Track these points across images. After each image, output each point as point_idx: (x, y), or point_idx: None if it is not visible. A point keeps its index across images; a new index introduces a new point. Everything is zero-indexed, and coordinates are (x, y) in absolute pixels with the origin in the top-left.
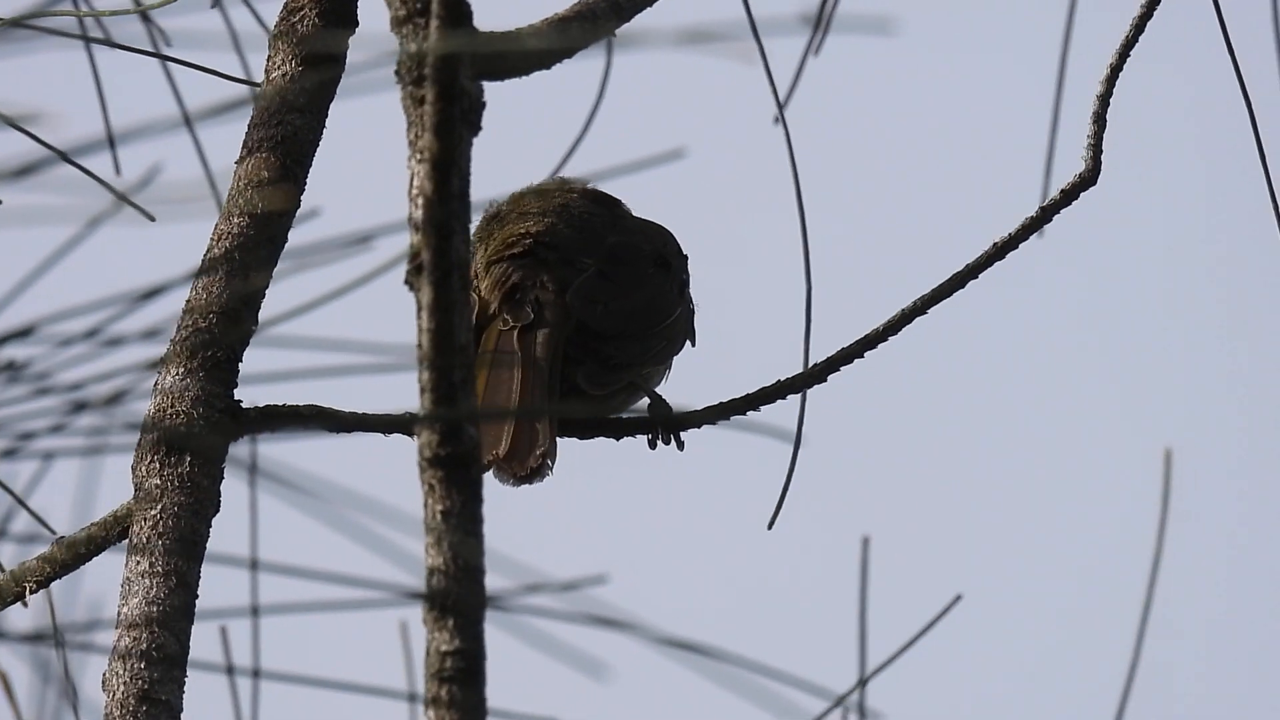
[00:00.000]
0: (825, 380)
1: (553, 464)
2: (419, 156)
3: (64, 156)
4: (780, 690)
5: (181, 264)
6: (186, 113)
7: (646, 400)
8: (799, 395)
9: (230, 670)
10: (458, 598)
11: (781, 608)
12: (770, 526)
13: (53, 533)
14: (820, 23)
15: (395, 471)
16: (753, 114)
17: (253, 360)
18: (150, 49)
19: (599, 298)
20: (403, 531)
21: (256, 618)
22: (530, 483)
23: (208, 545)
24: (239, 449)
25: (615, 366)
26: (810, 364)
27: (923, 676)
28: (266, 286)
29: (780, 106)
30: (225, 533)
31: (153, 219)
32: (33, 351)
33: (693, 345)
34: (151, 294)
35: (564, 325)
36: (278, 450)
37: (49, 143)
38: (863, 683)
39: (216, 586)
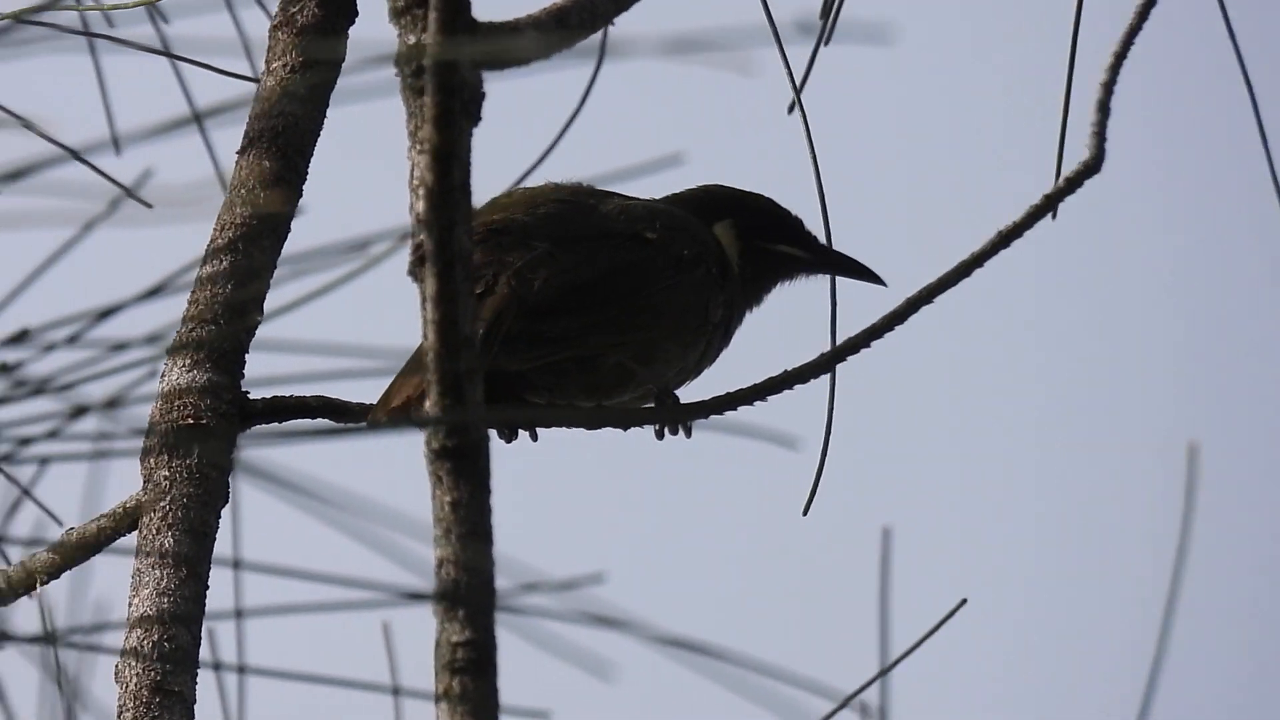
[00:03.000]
0: (832, 370)
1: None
2: (420, 148)
3: (74, 154)
4: (784, 691)
5: (183, 263)
6: (196, 110)
7: (655, 391)
8: (806, 385)
9: (220, 666)
10: (468, 588)
11: (787, 603)
12: (805, 512)
13: (60, 525)
14: (824, 34)
15: (403, 464)
16: (755, 107)
17: (258, 360)
18: (151, 44)
19: (539, 274)
20: (407, 532)
21: (241, 619)
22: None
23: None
24: (247, 444)
25: (543, 341)
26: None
27: (932, 674)
28: (271, 277)
29: (797, 93)
30: (225, 534)
31: (149, 205)
32: (29, 354)
33: (718, 330)
34: (154, 291)
35: (503, 300)
36: (282, 452)
37: (55, 140)
38: (867, 685)
39: (216, 586)
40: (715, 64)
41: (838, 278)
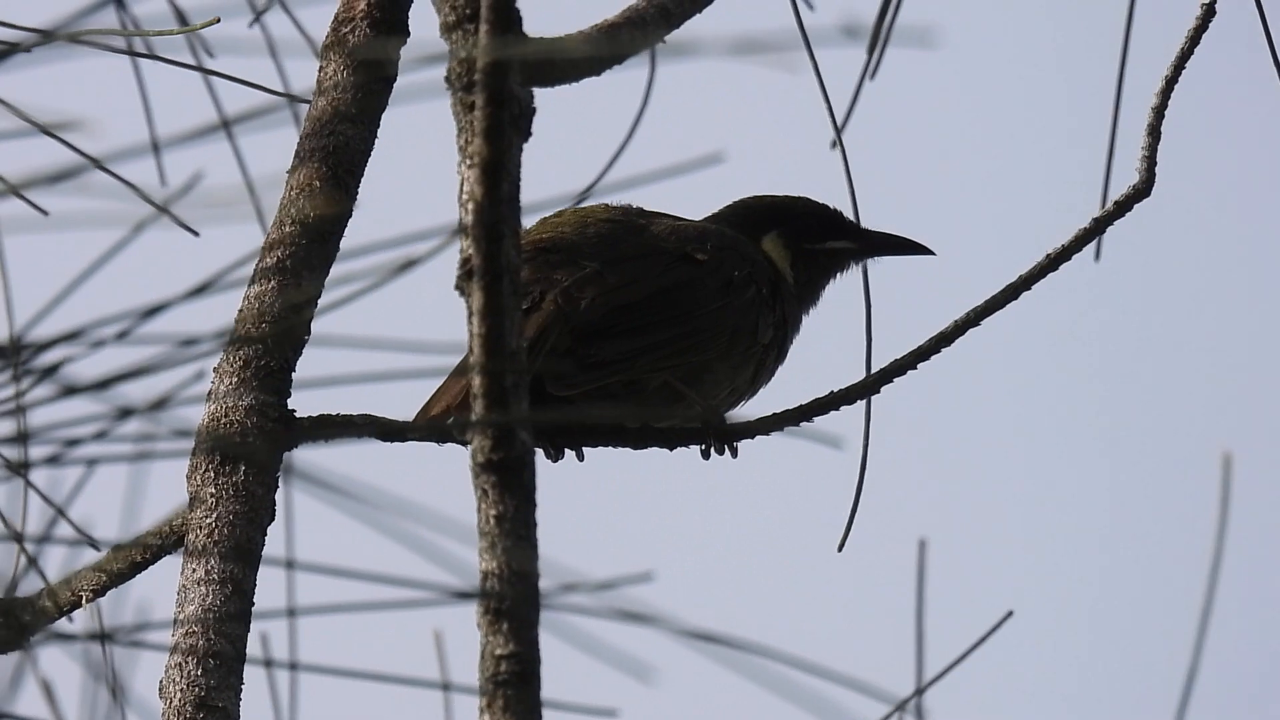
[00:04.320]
0: (879, 391)
1: (461, 431)
2: (469, 162)
3: (98, 164)
4: (832, 693)
5: (226, 265)
6: (226, 119)
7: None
8: (852, 406)
9: (271, 664)
10: (512, 601)
11: (834, 614)
12: (840, 549)
13: (92, 543)
14: (876, 42)
15: (448, 478)
16: (801, 121)
17: (305, 367)
18: (193, 61)
19: (587, 292)
20: (455, 538)
21: (294, 617)
22: (436, 439)
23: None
24: (293, 456)
25: (594, 365)
26: (865, 375)
27: (977, 682)
28: (319, 295)
29: (837, 130)
30: (276, 541)
31: (196, 234)
32: (75, 352)
33: (771, 346)
34: (203, 289)
35: (548, 318)
36: (329, 460)
37: (86, 151)
38: (918, 692)
39: (268, 593)
40: (765, 64)
41: (889, 257)
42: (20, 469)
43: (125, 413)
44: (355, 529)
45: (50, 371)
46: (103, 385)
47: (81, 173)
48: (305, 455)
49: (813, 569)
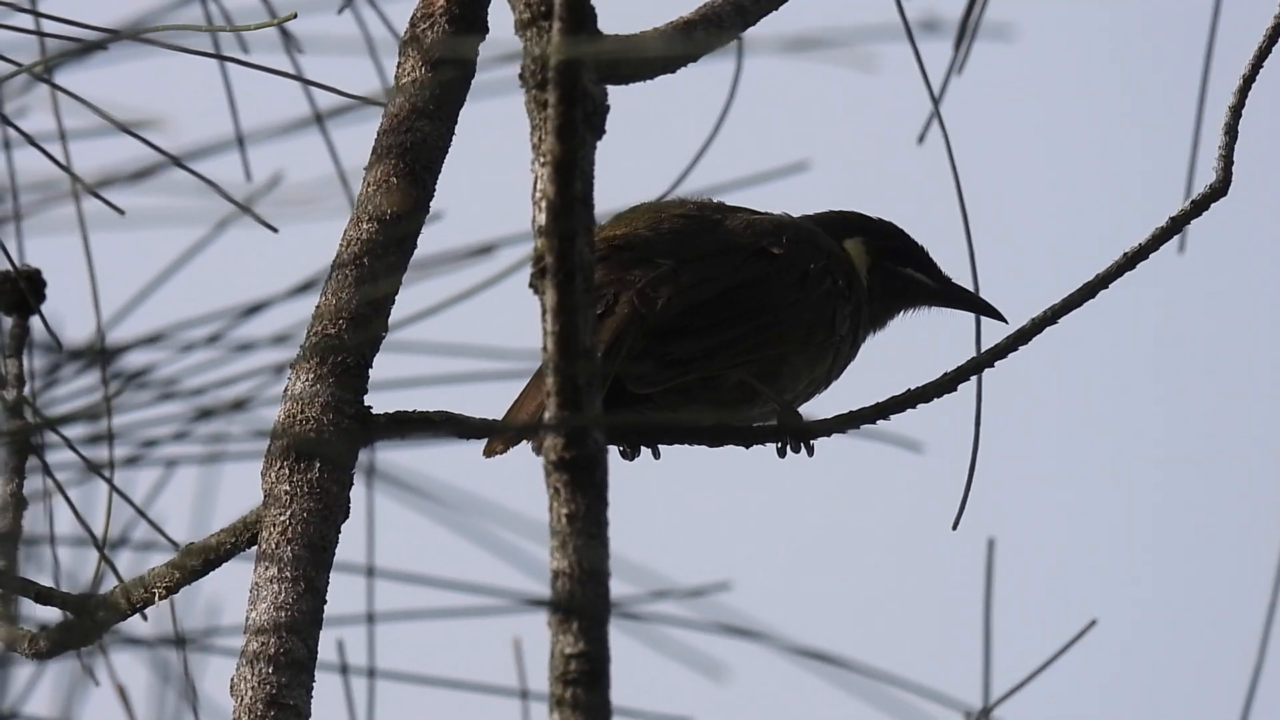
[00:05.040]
0: (955, 389)
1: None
2: (542, 160)
3: (177, 162)
4: (909, 700)
5: (310, 267)
6: (318, 112)
7: (776, 408)
8: (929, 404)
9: (347, 669)
10: (582, 601)
11: (912, 615)
12: (955, 526)
13: (172, 543)
14: (963, 37)
15: (523, 476)
16: (879, 120)
17: (382, 366)
18: (276, 60)
19: (662, 291)
20: (528, 536)
21: (372, 624)
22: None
23: (336, 551)
24: (375, 451)
25: (672, 363)
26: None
27: (1054, 691)
28: (396, 291)
29: (937, 110)
30: (351, 538)
31: (275, 230)
32: (159, 357)
33: (847, 337)
34: (277, 300)
35: (624, 320)
36: (404, 457)
37: (165, 149)
38: (993, 706)
39: (341, 591)
40: (841, 62)
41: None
42: (102, 470)
43: (205, 413)
44: (431, 529)
45: (136, 376)
46: (196, 392)
47: (158, 170)
48: (382, 455)
49: (883, 569)
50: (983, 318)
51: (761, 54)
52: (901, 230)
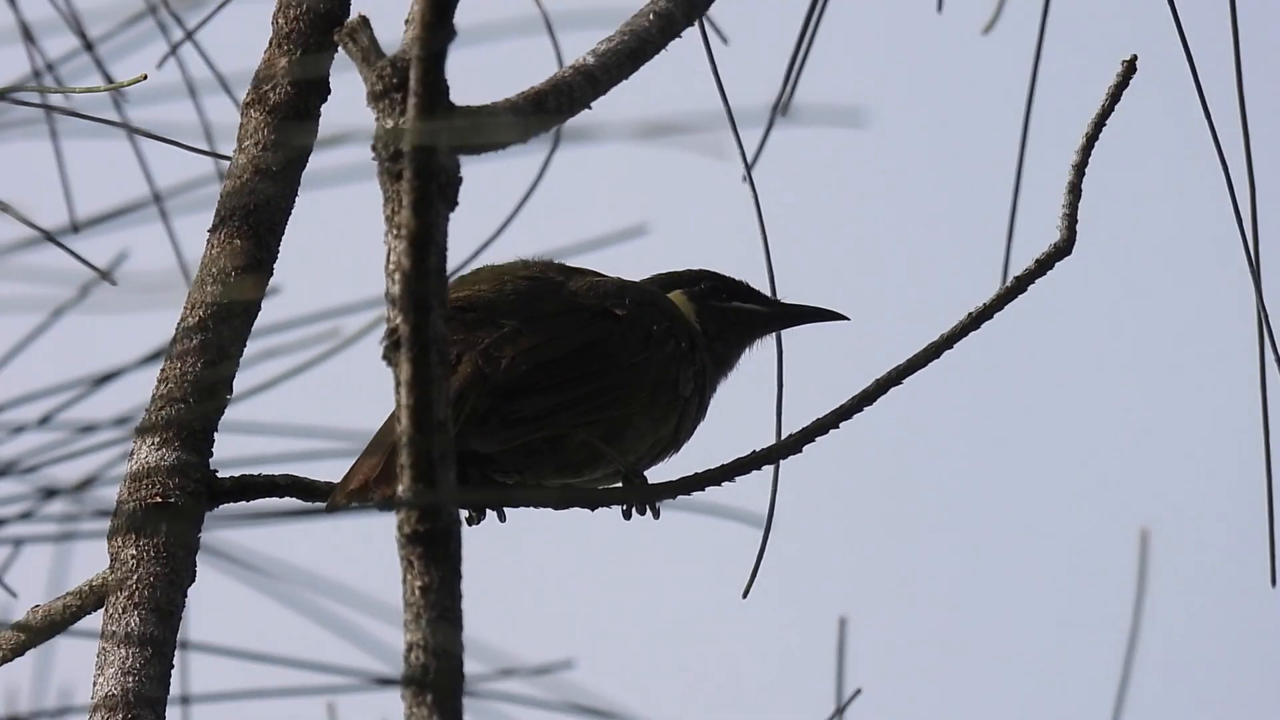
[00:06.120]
0: (800, 451)
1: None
2: (396, 232)
3: (50, 237)
4: None
5: (152, 346)
6: (156, 191)
7: (621, 472)
8: (774, 465)
9: None
10: (437, 673)
11: (755, 688)
12: (745, 595)
13: (13, 595)
14: (778, 110)
15: (373, 548)
16: (723, 189)
17: (226, 440)
18: (116, 120)
19: (506, 351)
20: (375, 614)
21: (187, 704)
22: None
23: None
24: (215, 524)
25: (515, 421)
26: (784, 435)
27: None
28: (240, 356)
29: (750, 176)
30: (197, 617)
31: (114, 284)
32: None
33: (692, 399)
34: (118, 372)
35: (466, 379)
36: (249, 534)
37: (30, 224)
38: None
39: (189, 665)
40: (688, 147)
41: (804, 325)
42: None
43: (49, 493)
44: (274, 606)
45: None
46: (34, 468)
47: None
48: (223, 535)
49: (730, 637)
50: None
51: (608, 140)
52: (713, 271)
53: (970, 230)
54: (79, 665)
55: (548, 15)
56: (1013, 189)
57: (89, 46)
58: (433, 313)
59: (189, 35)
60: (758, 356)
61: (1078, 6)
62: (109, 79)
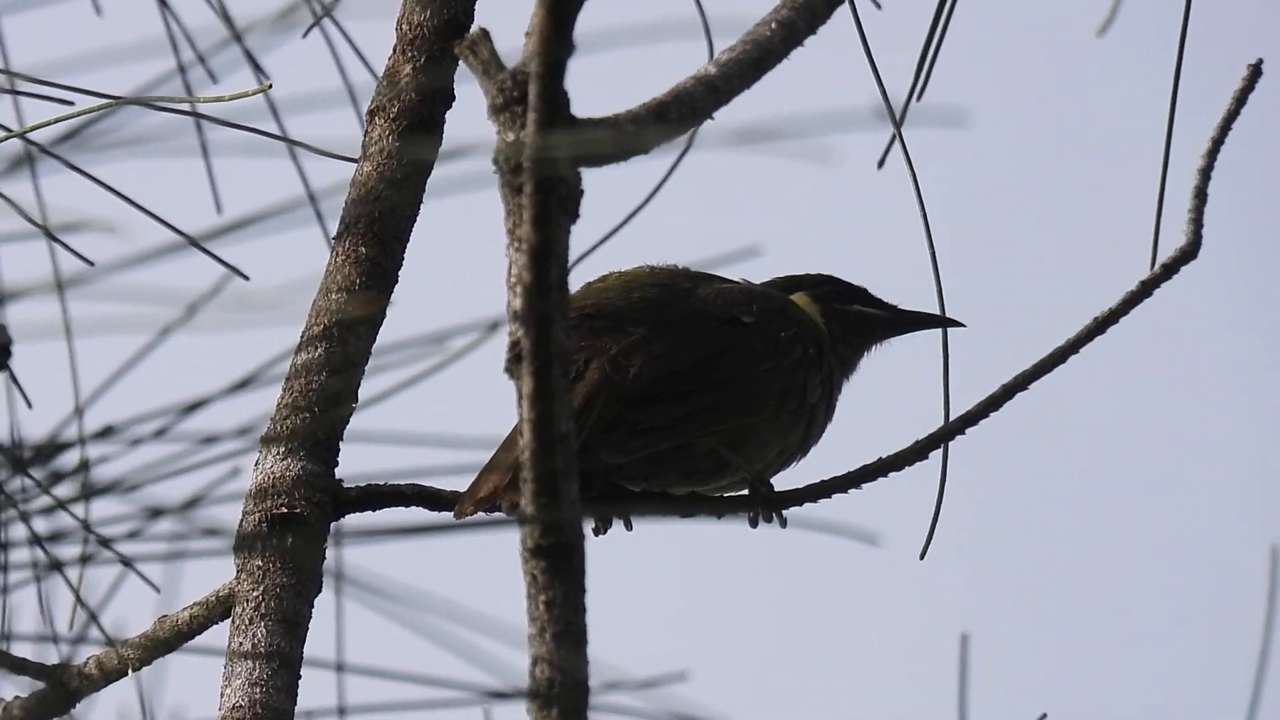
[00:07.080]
0: (926, 457)
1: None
2: (518, 245)
3: (194, 243)
4: None
5: (273, 355)
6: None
7: (748, 479)
8: (900, 472)
9: None
10: (561, 687)
11: (878, 703)
12: (922, 556)
13: (110, 642)
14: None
15: (499, 559)
16: (842, 203)
17: (351, 450)
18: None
19: (634, 359)
20: (498, 636)
21: (344, 717)
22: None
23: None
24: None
25: (643, 431)
26: (913, 441)
27: None
28: (365, 365)
29: (920, 198)
30: (318, 638)
31: (247, 279)
32: (115, 449)
33: (820, 404)
34: (242, 385)
35: (595, 386)
36: (374, 557)
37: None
38: None
39: (312, 681)
40: (797, 154)
41: (921, 331)
42: (58, 566)
43: (155, 513)
44: (395, 628)
45: (79, 470)
46: (133, 487)
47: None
48: (351, 556)
49: (852, 653)
50: (946, 333)
51: (716, 148)
52: (835, 276)
53: (1078, 235)
54: (191, 683)
55: (705, 18)
56: (1158, 192)
57: (230, 49)
58: (554, 326)
59: (335, 33)
60: (888, 368)
61: (1200, 8)
62: (255, 82)
